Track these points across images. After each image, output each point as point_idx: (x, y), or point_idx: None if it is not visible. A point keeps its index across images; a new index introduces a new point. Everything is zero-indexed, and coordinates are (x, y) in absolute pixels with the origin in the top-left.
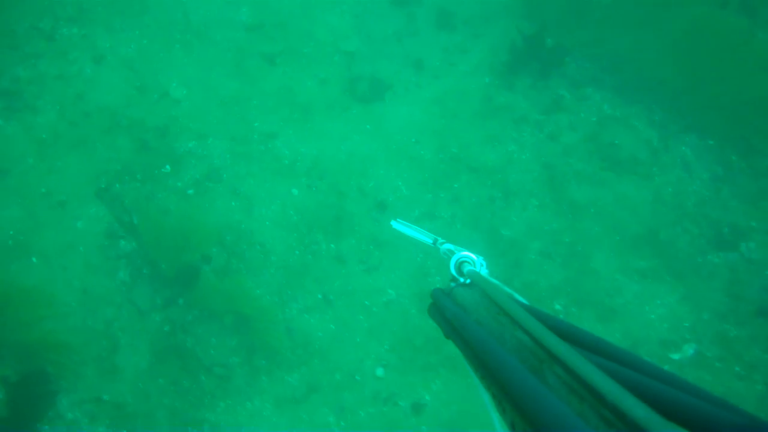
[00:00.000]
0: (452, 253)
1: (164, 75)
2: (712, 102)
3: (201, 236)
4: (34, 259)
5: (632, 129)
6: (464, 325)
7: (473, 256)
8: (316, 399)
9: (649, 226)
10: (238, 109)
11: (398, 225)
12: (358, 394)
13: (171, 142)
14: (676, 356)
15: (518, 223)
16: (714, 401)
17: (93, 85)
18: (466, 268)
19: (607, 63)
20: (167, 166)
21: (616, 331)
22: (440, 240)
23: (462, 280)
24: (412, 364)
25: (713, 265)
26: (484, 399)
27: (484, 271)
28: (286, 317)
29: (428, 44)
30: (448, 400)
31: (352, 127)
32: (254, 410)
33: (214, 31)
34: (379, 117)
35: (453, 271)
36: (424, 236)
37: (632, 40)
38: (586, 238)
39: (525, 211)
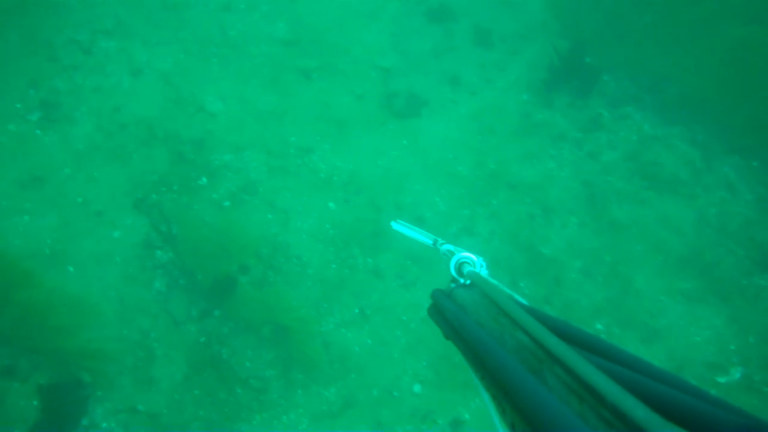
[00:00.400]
0: (452, 253)
1: (201, 89)
2: (756, 123)
3: (237, 248)
4: (71, 269)
5: (674, 149)
6: (464, 325)
7: (473, 256)
8: (353, 414)
9: (693, 247)
10: (275, 123)
11: (398, 226)
12: (396, 410)
13: (207, 154)
14: (722, 379)
15: (558, 241)
16: (714, 402)
17: (130, 98)
18: (466, 268)
19: (647, 82)
20: (203, 179)
21: (659, 353)
22: (440, 241)
23: (462, 280)
24: (450, 381)
25: (759, 287)
26: (484, 400)
27: (484, 272)
28: (323, 331)
29: (465, 61)
30: (488, 418)
31: (389, 142)
32: (290, 424)
33: (251, 45)
34: (416, 132)
35: (453, 272)
36: (424, 237)
37: (673, 59)
38: (628, 257)
39: (565, 229)
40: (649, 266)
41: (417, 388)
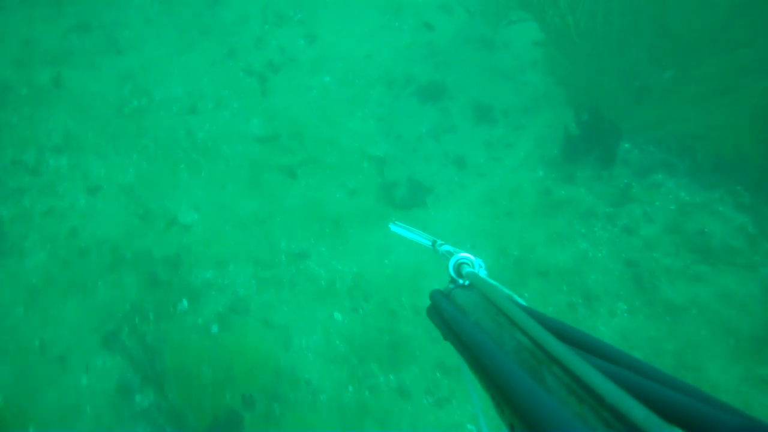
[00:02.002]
0: (451, 254)
1: (170, 199)
2: None
3: (233, 381)
4: (31, 430)
5: (719, 215)
6: (462, 326)
7: (472, 257)
8: None
9: (765, 324)
10: (260, 229)
11: (397, 228)
12: None
13: (185, 273)
14: None
15: (608, 332)
16: (713, 403)
17: (88, 219)
18: (465, 269)
19: (675, 144)
20: (184, 302)
21: None
22: (439, 242)
23: (461, 281)
24: None
25: None
26: (474, 402)
27: (482, 273)
28: None
29: (468, 140)
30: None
31: (394, 237)
32: None
33: (224, 146)
34: (424, 223)
35: (452, 273)
36: (423, 239)
37: (702, 117)
38: (693, 344)
39: (614, 318)
40: (720, 352)
41: None
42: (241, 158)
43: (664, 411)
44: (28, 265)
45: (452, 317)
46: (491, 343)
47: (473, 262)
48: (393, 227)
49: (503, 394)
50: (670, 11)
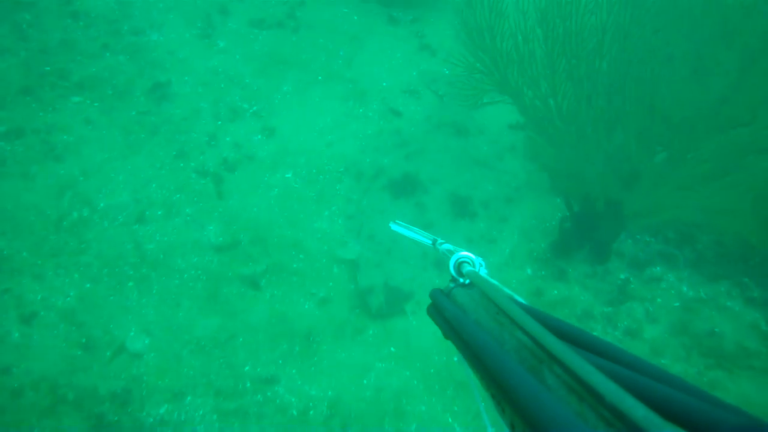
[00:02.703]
0: (451, 253)
1: (117, 323)
2: None
3: None
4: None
5: (728, 312)
6: (463, 325)
7: (472, 256)
8: None
9: None
10: (221, 352)
11: (397, 227)
12: None
13: (136, 411)
14: None
15: None
16: (713, 402)
17: (23, 353)
18: (466, 268)
19: (672, 234)
20: None
21: None
22: (439, 240)
23: (461, 280)
24: None
25: None
26: (477, 401)
27: (483, 272)
28: None
29: (446, 237)
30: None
31: (373, 352)
32: None
33: (177, 258)
34: (405, 335)
35: (452, 272)
36: (423, 237)
37: (700, 202)
38: None
39: None
40: None
41: None
42: (197, 271)
43: (664, 409)
44: None
45: (453, 316)
46: (492, 342)
47: (474, 261)
48: (393, 226)
49: (504, 392)
50: (659, 92)
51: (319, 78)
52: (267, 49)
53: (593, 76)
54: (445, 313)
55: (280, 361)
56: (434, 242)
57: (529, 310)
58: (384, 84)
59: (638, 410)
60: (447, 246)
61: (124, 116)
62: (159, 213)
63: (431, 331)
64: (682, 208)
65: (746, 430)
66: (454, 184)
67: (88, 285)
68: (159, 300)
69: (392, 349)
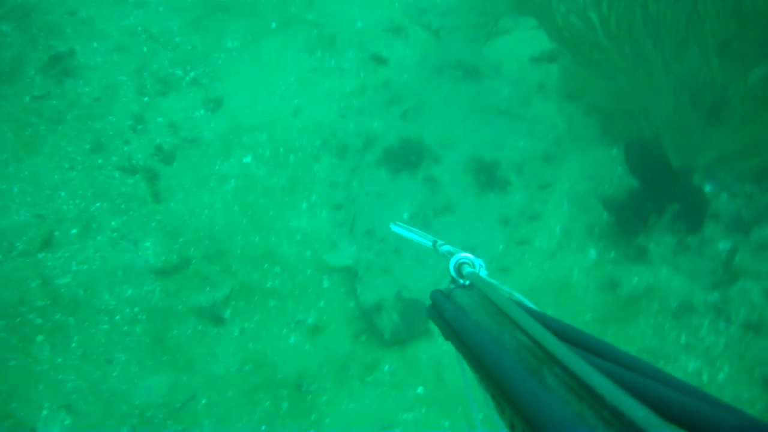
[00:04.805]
0: (451, 254)
1: (23, 400)
2: None
3: None
4: None
5: None
6: (463, 326)
7: (472, 257)
8: None
9: None
10: (176, 424)
11: (397, 228)
12: None
13: None
14: None
15: None
16: (713, 402)
17: None
18: (466, 269)
19: None
20: None
21: None
22: (440, 242)
23: (461, 281)
24: None
25: None
26: (470, 402)
27: (483, 273)
28: None
29: (474, 220)
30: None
31: (393, 397)
32: None
33: (102, 293)
34: (435, 365)
35: (452, 273)
36: (423, 239)
37: None
38: None
39: None
40: None
41: None
42: (134, 308)
43: (664, 410)
44: None
45: (453, 317)
46: (492, 342)
47: (474, 262)
48: (394, 227)
49: (504, 393)
50: None
51: (273, 25)
52: None
53: None
54: (445, 314)
55: (263, 427)
56: (434, 243)
57: (528, 311)
58: (358, 24)
59: (638, 411)
60: (447, 247)
61: (14, 105)
62: (73, 232)
63: None
64: None
65: (746, 430)
66: (473, 146)
67: None
68: (82, 357)
69: (419, 389)
